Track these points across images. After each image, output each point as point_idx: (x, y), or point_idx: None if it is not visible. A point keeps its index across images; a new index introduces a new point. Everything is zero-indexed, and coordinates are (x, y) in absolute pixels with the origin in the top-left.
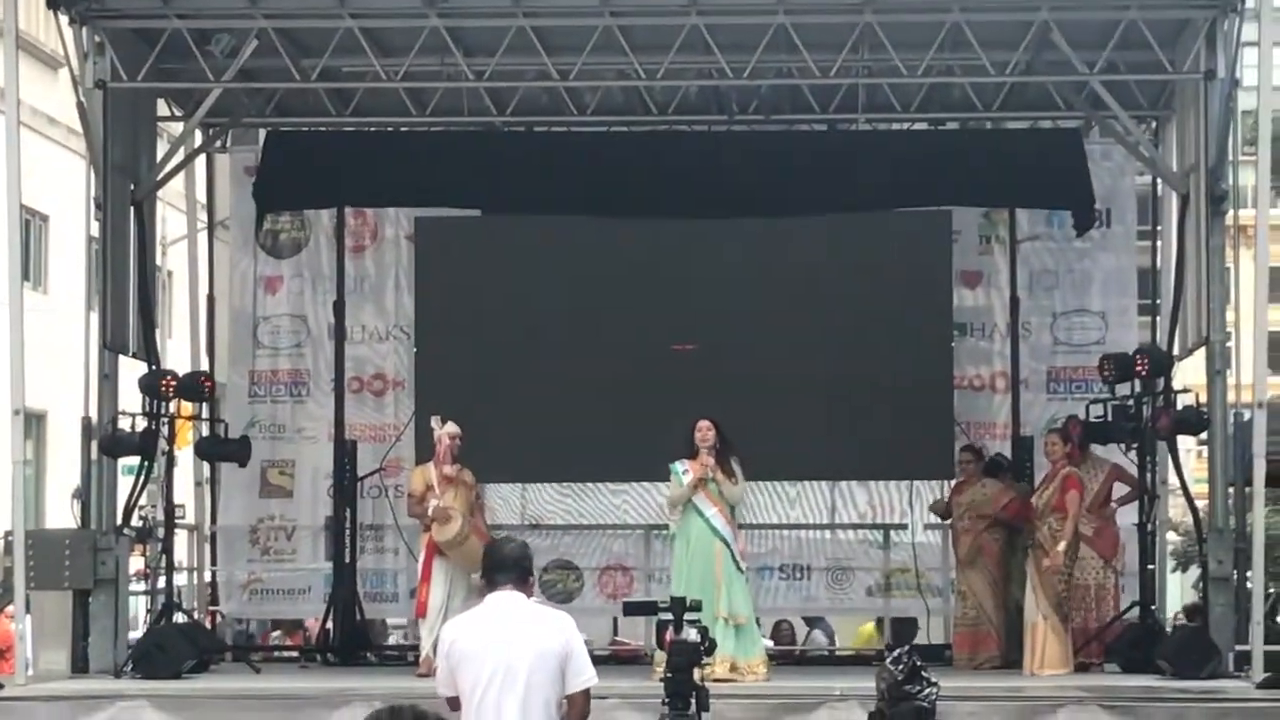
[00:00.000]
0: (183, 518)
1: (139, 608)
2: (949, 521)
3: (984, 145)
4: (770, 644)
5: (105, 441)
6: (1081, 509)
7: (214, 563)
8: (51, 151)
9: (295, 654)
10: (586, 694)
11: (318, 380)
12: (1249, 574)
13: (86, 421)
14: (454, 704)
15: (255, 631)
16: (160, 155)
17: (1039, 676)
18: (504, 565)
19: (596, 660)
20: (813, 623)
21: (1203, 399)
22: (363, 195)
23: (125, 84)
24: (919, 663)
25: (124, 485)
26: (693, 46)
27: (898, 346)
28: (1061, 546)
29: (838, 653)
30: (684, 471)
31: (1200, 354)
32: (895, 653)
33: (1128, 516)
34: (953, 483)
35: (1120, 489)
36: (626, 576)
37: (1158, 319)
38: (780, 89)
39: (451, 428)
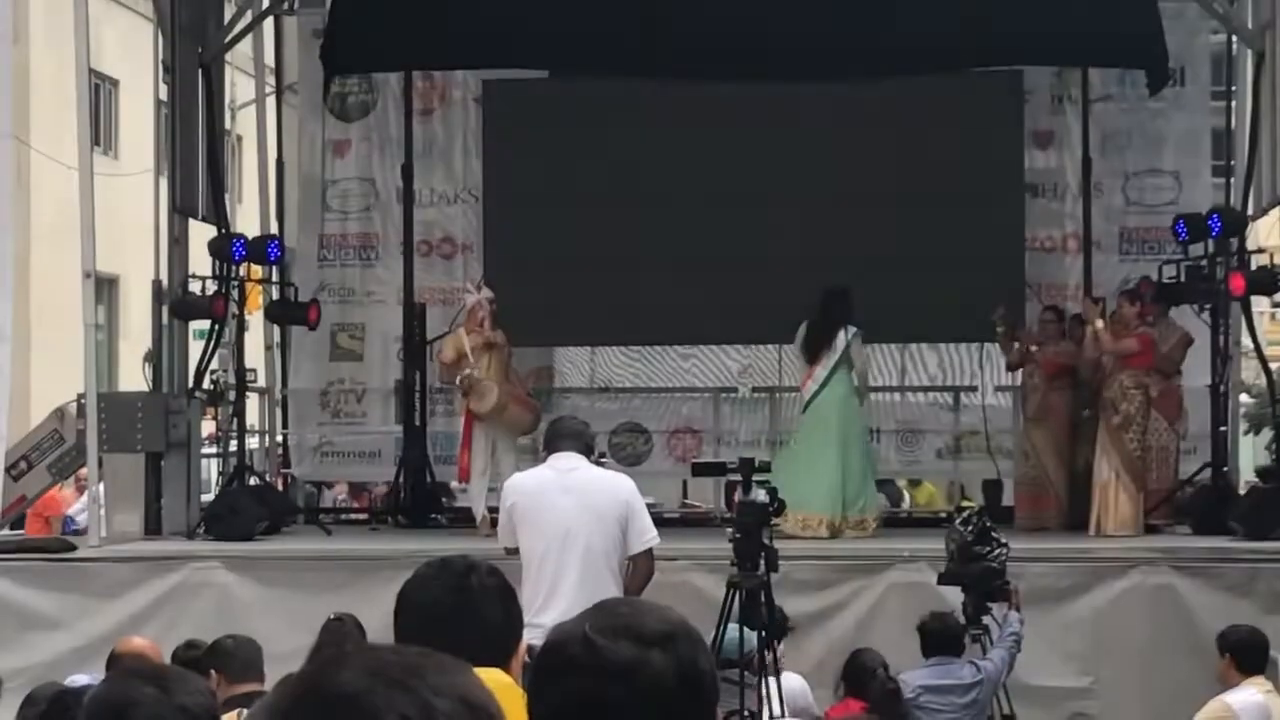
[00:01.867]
0: (254, 381)
1: (211, 470)
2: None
3: (1055, 4)
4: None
5: (176, 305)
6: (1122, 347)
7: (285, 426)
8: (119, 15)
9: (365, 516)
10: (649, 554)
11: (386, 244)
12: None
13: (157, 285)
14: (513, 553)
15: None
16: (228, 18)
17: (1108, 537)
18: (566, 433)
19: (666, 522)
20: (879, 485)
21: (1277, 259)
22: (430, 57)
23: None
24: (989, 524)
25: (195, 349)
26: None
27: (968, 208)
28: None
29: (904, 514)
30: None
31: (1275, 214)
32: (964, 513)
33: (1200, 378)
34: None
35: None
36: (695, 439)
37: (1231, 179)
38: None
39: (487, 291)
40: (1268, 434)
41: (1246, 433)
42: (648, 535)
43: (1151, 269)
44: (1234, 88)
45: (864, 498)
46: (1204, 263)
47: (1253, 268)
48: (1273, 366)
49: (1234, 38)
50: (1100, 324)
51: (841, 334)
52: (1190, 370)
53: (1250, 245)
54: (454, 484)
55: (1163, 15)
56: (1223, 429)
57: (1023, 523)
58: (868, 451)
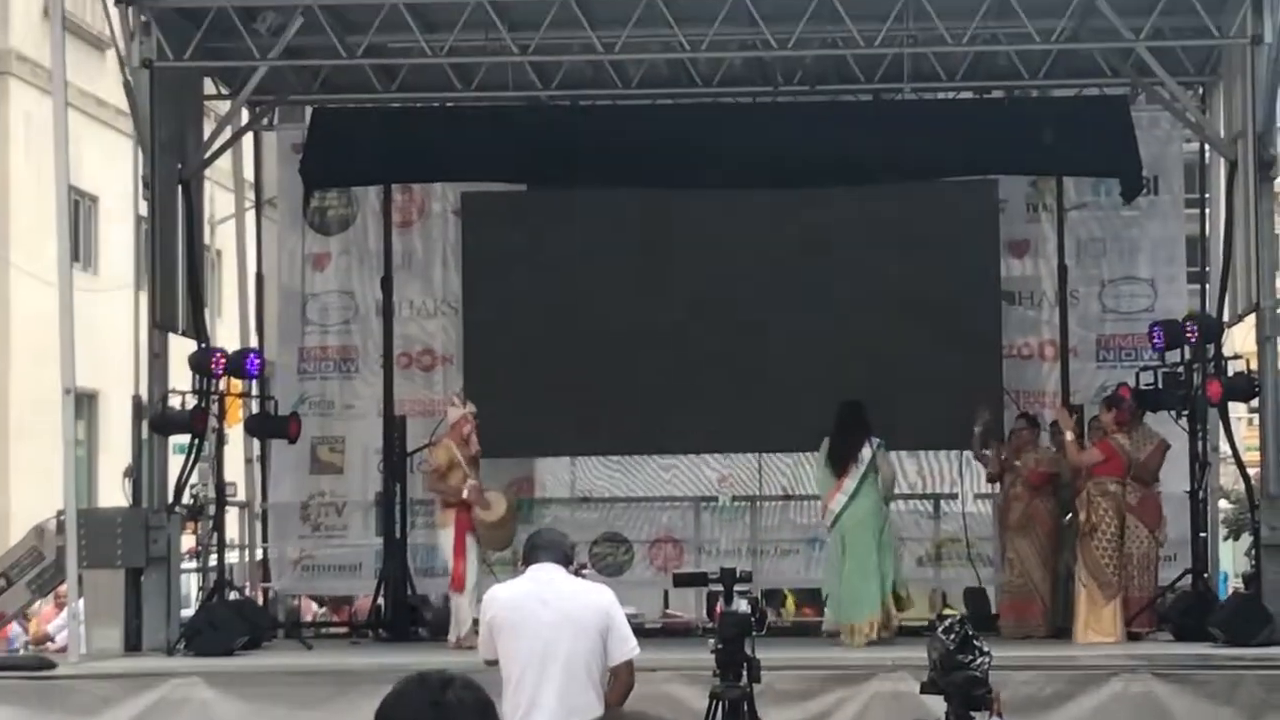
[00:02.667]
0: (234, 495)
1: (191, 585)
2: (996, 486)
3: (1030, 113)
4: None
5: (156, 420)
6: (1085, 459)
7: (265, 540)
8: (99, 132)
9: (346, 630)
10: (630, 664)
11: (366, 357)
12: None
13: (137, 400)
14: (492, 665)
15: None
16: (207, 134)
17: (1087, 645)
18: (545, 544)
19: (647, 633)
20: None
21: (1253, 365)
22: (409, 171)
23: (171, 63)
24: (971, 632)
25: (175, 463)
26: (737, 18)
27: (946, 316)
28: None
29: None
30: None
31: (1250, 320)
32: (947, 622)
33: (1179, 484)
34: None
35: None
36: (676, 548)
37: (1206, 286)
38: (824, 59)
39: (471, 406)
40: (1247, 540)
41: (1226, 538)
42: (628, 646)
43: (1129, 376)
44: (1207, 195)
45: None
46: (1181, 369)
47: (1229, 374)
48: (1250, 472)
49: (1207, 146)
50: (1070, 436)
51: (867, 446)
52: (1169, 477)
53: (1226, 351)
54: (433, 597)
55: (1136, 124)
56: (1202, 535)
57: (1008, 631)
58: (894, 557)
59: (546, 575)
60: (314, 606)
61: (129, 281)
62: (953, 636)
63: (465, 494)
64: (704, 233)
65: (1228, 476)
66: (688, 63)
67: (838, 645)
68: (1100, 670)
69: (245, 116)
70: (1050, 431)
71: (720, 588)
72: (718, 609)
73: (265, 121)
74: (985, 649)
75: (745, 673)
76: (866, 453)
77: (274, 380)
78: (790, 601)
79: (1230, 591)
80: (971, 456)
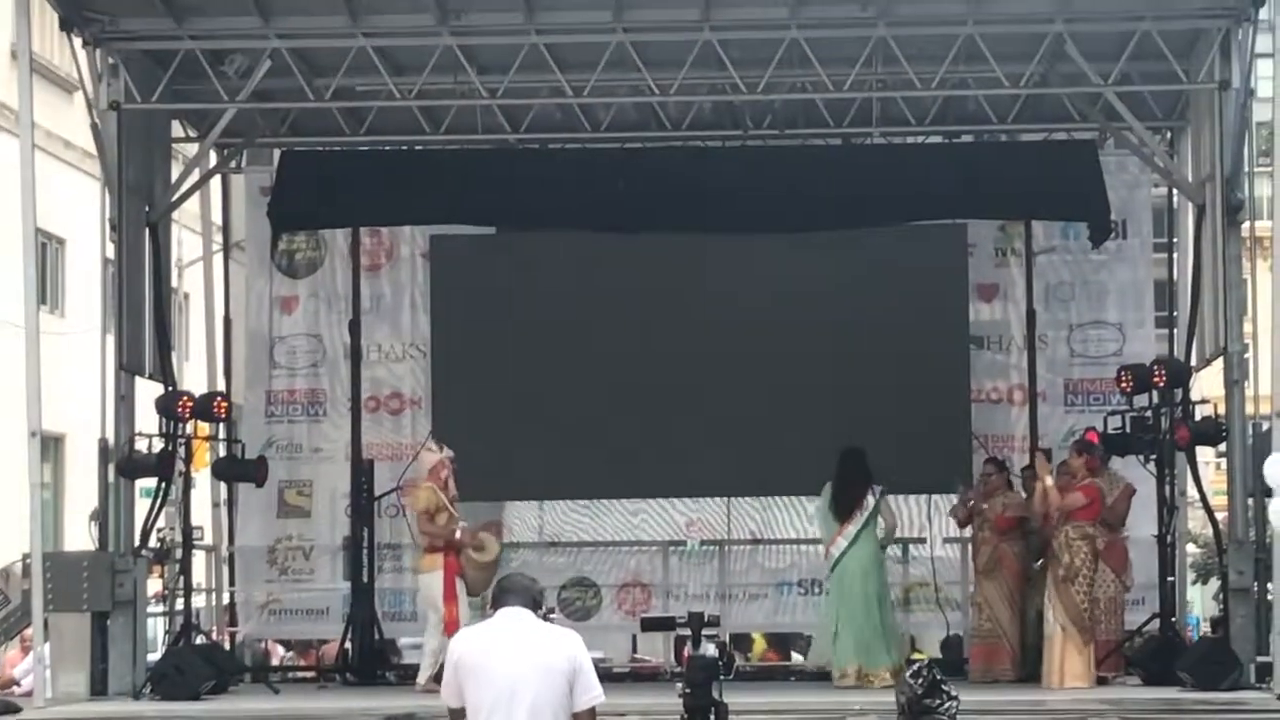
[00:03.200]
0: (200, 539)
1: (157, 629)
2: (967, 532)
3: (999, 158)
4: (800, 659)
5: (122, 463)
6: (1068, 503)
7: (232, 584)
8: (66, 174)
9: (314, 674)
10: (593, 712)
11: (334, 400)
12: (1270, 585)
13: (104, 443)
14: (458, 715)
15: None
16: (175, 176)
17: (1059, 690)
18: (513, 589)
19: (615, 677)
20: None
21: (1221, 410)
22: (378, 214)
23: (139, 105)
24: (939, 676)
25: (141, 507)
26: (706, 62)
27: (914, 360)
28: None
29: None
30: None
31: (1218, 365)
32: (915, 666)
33: (1147, 528)
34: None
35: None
36: (645, 592)
37: (1175, 330)
38: (794, 104)
39: (448, 451)
40: (1215, 584)
41: (1194, 583)
42: (593, 692)
43: (1097, 420)
44: (1175, 240)
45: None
46: (1149, 414)
47: (1197, 418)
48: (1218, 516)
49: (1175, 191)
50: (1049, 481)
51: (870, 494)
52: (1137, 521)
53: (1194, 396)
54: (401, 641)
55: (1104, 169)
56: (1170, 579)
57: (977, 675)
58: (884, 602)
59: (515, 619)
60: (281, 650)
61: (96, 324)
62: (920, 680)
63: (459, 535)
64: (672, 276)
65: (1196, 521)
66: (657, 107)
67: (804, 690)
68: (1069, 714)
69: (213, 159)
70: (1022, 477)
71: (688, 632)
72: (685, 653)
73: (233, 164)
74: (953, 693)
75: (713, 717)
76: (870, 500)
77: (241, 423)
78: (759, 645)
79: (1201, 634)
80: (944, 499)
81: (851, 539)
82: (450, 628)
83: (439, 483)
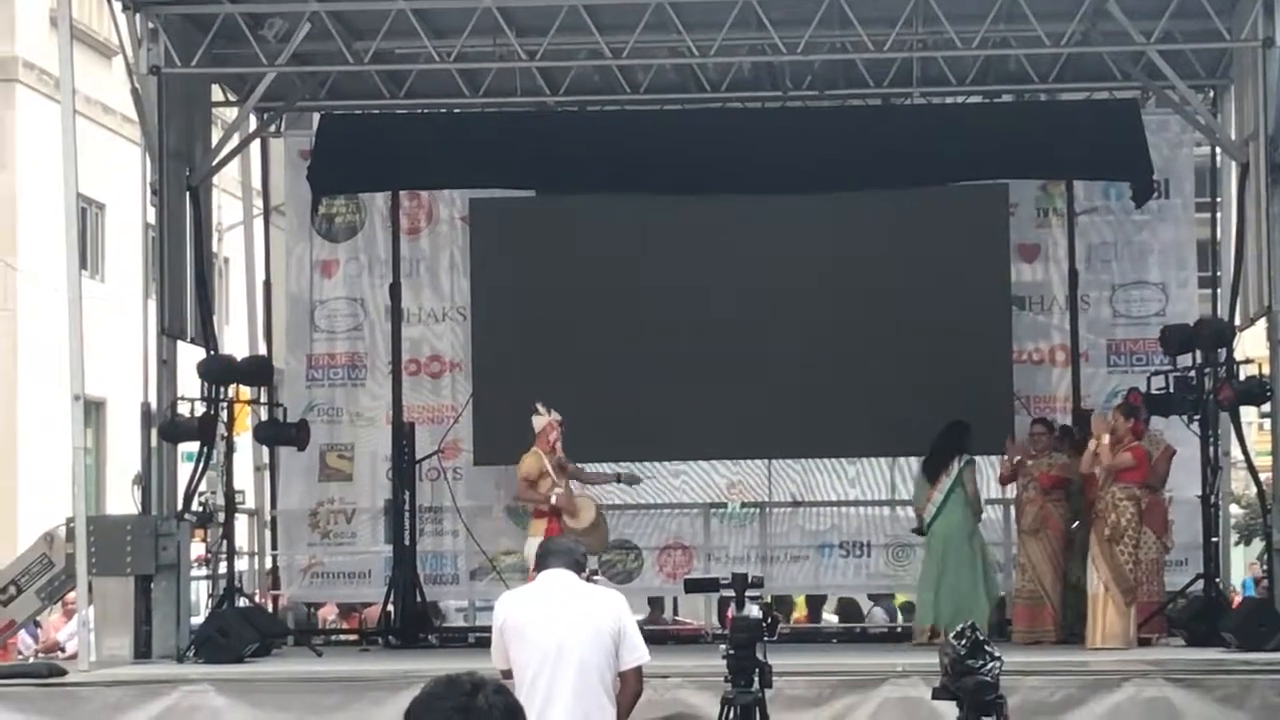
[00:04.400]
0: (243, 503)
1: (200, 593)
2: (1010, 491)
3: (1040, 117)
4: (834, 619)
5: (165, 427)
6: (1119, 463)
7: (274, 547)
8: (107, 139)
9: (356, 637)
10: (639, 671)
11: (375, 363)
12: None
13: (146, 408)
14: (507, 675)
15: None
16: (215, 141)
17: (1100, 650)
18: (557, 551)
19: (658, 639)
20: (876, 600)
21: (1265, 370)
22: (417, 177)
23: (179, 70)
24: (982, 637)
25: (184, 471)
26: (745, 23)
27: (956, 322)
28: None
29: (899, 629)
30: None
31: (1261, 324)
32: (959, 627)
33: (1190, 489)
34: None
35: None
36: (686, 555)
37: (1218, 290)
38: (834, 64)
39: (556, 414)
40: (1259, 544)
41: (1237, 543)
42: (638, 652)
43: (1140, 380)
44: (1218, 199)
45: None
46: (1192, 374)
47: (1241, 378)
48: (1263, 477)
49: (1218, 150)
50: (1107, 439)
51: (955, 462)
52: (1180, 482)
53: (1238, 355)
54: (443, 604)
55: (1147, 128)
56: (1214, 540)
57: (1020, 636)
58: (979, 566)
59: (559, 581)
60: (334, 613)
61: (136, 289)
62: (963, 642)
63: (553, 500)
64: (713, 239)
65: (1239, 481)
66: (696, 68)
67: (847, 651)
68: (1112, 675)
69: (253, 123)
70: (1059, 435)
71: (732, 593)
72: (729, 614)
73: (273, 128)
74: (996, 654)
75: (757, 678)
76: (955, 467)
77: (282, 387)
78: (801, 606)
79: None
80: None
81: (938, 505)
82: None
83: (547, 446)
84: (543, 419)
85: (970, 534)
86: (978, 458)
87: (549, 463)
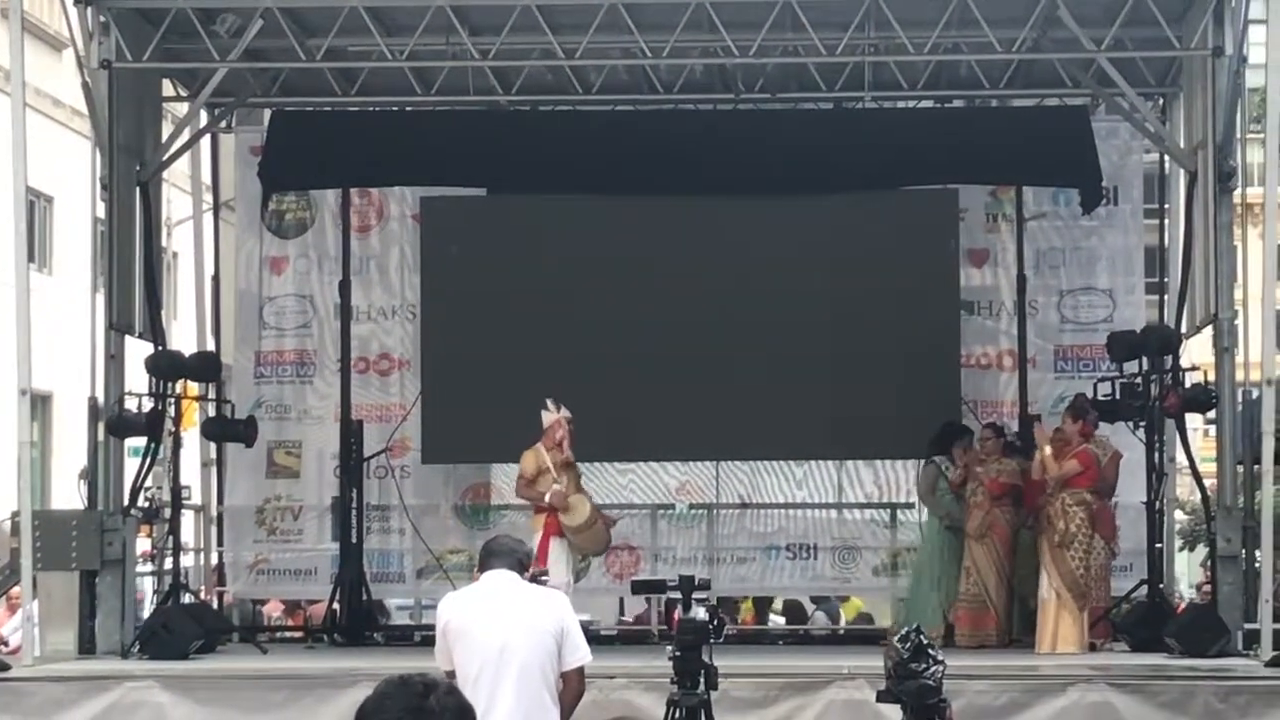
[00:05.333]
0: (189, 498)
1: (146, 588)
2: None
3: (990, 123)
4: (781, 621)
5: (112, 422)
6: (1065, 470)
7: (220, 543)
8: (56, 132)
9: (301, 634)
10: (581, 671)
11: (324, 360)
12: (1258, 552)
13: (93, 402)
14: (450, 676)
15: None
16: (165, 136)
17: (1051, 655)
18: (500, 551)
19: (603, 640)
20: (818, 602)
21: (1211, 377)
22: (368, 175)
23: (130, 64)
24: (925, 640)
25: (130, 466)
26: (698, 25)
27: (904, 325)
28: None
29: (841, 631)
30: None
31: (1208, 332)
32: (903, 630)
33: (1135, 495)
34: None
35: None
36: (633, 556)
37: (1165, 297)
38: (786, 67)
39: (565, 411)
40: (1203, 550)
41: (1182, 549)
42: (580, 652)
43: (1086, 386)
44: (1167, 206)
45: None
46: (1138, 380)
47: (1186, 385)
48: (1207, 483)
49: (1166, 157)
50: (1049, 450)
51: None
52: (1126, 487)
53: (1184, 363)
54: (389, 602)
55: (1096, 135)
56: (1158, 546)
57: (964, 640)
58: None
59: (501, 582)
60: (279, 609)
61: (84, 282)
62: (907, 645)
63: (547, 498)
64: (663, 239)
65: (1184, 487)
66: (648, 69)
67: (792, 654)
68: (1056, 680)
69: (204, 118)
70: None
71: (679, 595)
72: (675, 616)
73: (224, 124)
74: (939, 657)
75: (703, 680)
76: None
77: (230, 383)
78: (748, 608)
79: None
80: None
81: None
82: None
83: (553, 443)
84: (551, 415)
85: (938, 540)
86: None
87: (549, 460)
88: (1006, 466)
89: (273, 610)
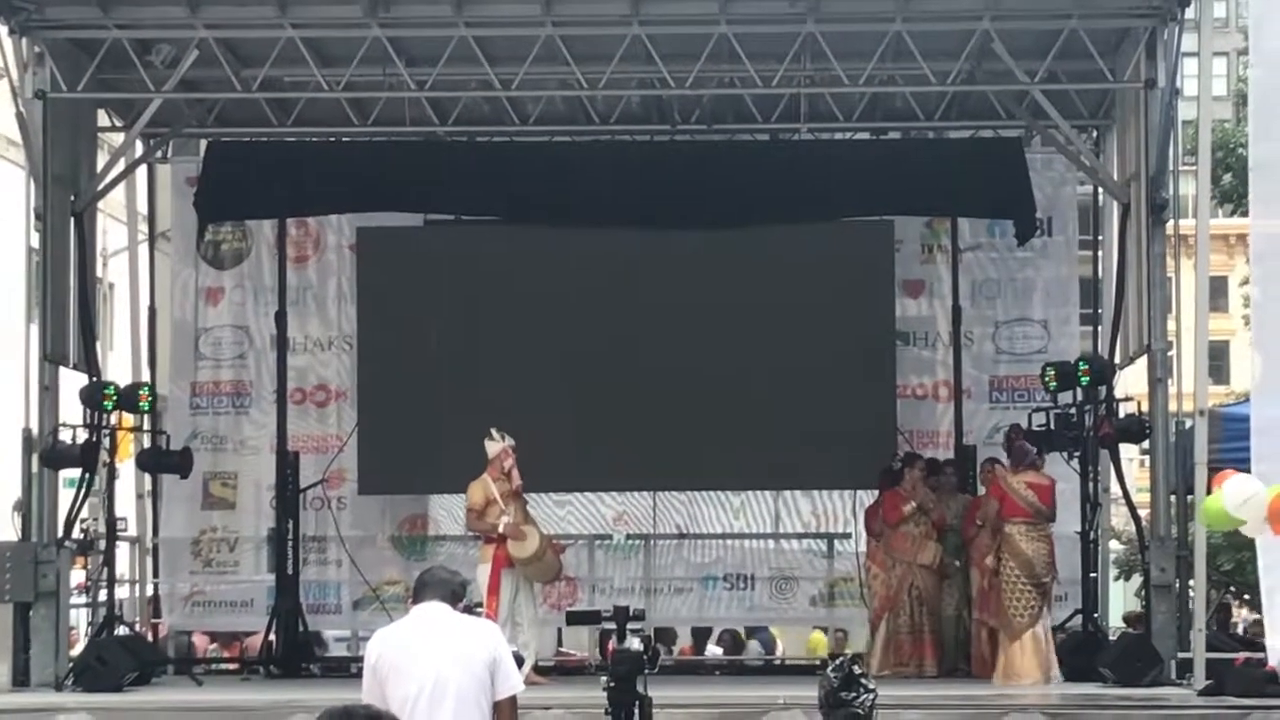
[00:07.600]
0: (124, 530)
1: (80, 620)
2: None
3: (925, 154)
4: (718, 651)
5: (46, 453)
6: (989, 510)
7: (156, 575)
8: None
9: (236, 666)
10: (514, 701)
11: (260, 391)
12: (1191, 582)
13: (27, 433)
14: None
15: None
16: (100, 166)
17: (980, 684)
18: (433, 582)
19: (541, 670)
20: (752, 632)
21: (1144, 407)
22: (305, 205)
23: (65, 94)
24: (857, 669)
25: (65, 497)
26: (634, 56)
27: (841, 355)
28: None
29: (779, 661)
30: None
31: (1142, 363)
32: (836, 660)
33: (1070, 525)
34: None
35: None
36: (570, 586)
37: (1099, 328)
38: (722, 99)
39: (509, 440)
40: (1137, 580)
41: (1117, 579)
42: (512, 681)
43: (1021, 417)
44: (1100, 238)
45: None
46: (1073, 411)
47: (1121, 416)
48: (1141, 514)
49: (1100, 189)
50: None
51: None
52: (1061, 517)
53: (1118, 393)
54: (326, 633)
55: (1031, 166)
56: (1093, 575)
57: (898, 670)
58: None
59: (432, 613)
60: (206, 643)
61: (19, 313)
62: (837, 674)
63: (500, 529)
64: (598, 270)
65: (1119, 517)
66: (585, 100)
67: (728, 684)
68: (990, 709)
69: (139, 149)
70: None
71: (613, 625)
72: (610, 647)
73: (159, 154)
74: (870, 686)
75: (637, 711)
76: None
77: (166, 415)
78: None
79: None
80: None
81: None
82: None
83: (499, 473)
84: (496, 445)
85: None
86: (860, 492)
87: (496, 490)
88: (960, 503)
89: (201, 643)
